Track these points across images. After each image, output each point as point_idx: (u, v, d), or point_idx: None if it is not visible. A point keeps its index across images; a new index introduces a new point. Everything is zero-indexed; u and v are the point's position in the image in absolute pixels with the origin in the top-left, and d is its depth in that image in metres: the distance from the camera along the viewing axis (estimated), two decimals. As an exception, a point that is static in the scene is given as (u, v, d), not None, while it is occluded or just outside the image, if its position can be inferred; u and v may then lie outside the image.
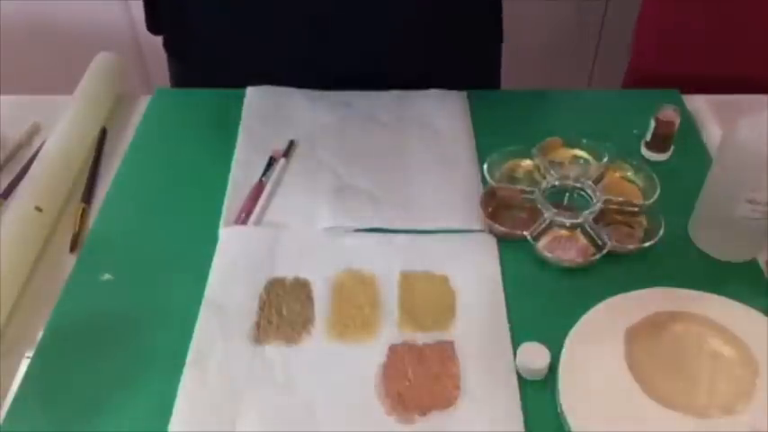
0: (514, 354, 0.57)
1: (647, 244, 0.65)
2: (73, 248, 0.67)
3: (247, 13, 0.81)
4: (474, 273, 0.64)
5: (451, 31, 0.84)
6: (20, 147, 0.78)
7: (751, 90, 0.78)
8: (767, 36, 0.86)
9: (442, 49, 0.84)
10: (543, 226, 0.66)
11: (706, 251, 0.66)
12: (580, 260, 0.64)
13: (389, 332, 0.59)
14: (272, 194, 0.71)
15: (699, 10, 0.89)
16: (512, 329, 0.59)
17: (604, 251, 0.64)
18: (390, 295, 0.62)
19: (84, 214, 0.70)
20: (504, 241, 0.66)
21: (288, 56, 0.83)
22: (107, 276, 0.64)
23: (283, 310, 0.61)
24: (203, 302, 0.61)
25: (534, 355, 0.56)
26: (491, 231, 0.67)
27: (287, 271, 0.64)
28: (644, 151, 0.76)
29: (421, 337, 0.59)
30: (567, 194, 0.71)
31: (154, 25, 0.88)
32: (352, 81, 0.82)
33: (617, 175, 0.73)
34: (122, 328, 0.60)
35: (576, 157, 0.74)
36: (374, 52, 0.80)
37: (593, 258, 0.64)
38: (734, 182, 0.61)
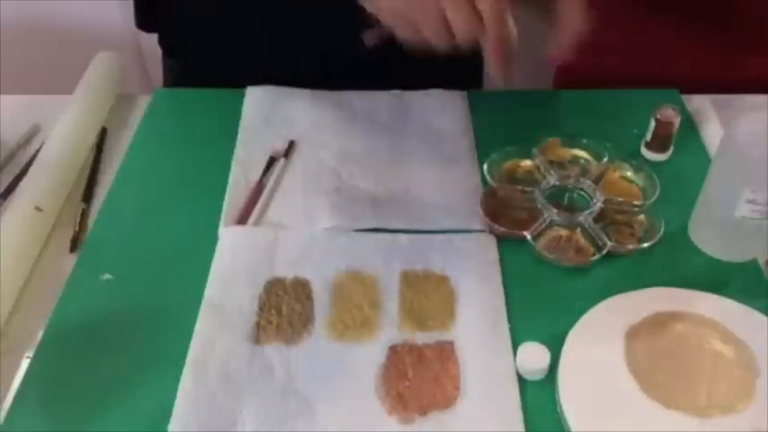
0: (514, 354, 0.57)
1: (647, 244, 0.65)
2: (73, 248, 0.67)
3: (247, 8, 0.81)
4: (474, 273, 0.64)
5: None
6: (20, 147, 0.78)
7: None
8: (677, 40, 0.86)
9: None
10: (543, 226, 0.66)
11: (706, 251, 0.66)
12: (580, 260, 0.64)
13: (389, 332, 0.59)
14: (272, 194, 0.71)
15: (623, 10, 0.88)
16: (512, 329, 0.59)
17: (604, 251, 0.64)
18: (390, 295, 0.62)
19: (84, 214, 0.70)
20: (504, 241, 0.66)
21: (281, 52, 0.82)
22: (107, 276, 0.64)
23: (283, 310, 0.61)
24: (203, 302, 0.61)
25: (534, 355, 0.56)
26: (491, 231, 0.67)
27: (287, 271, 0.64)
28: (644, 151, 0.76)
29: (421, 337, 0.59)
30: (567, 194, 0.71)
31: (145, 23, 0.88)
32: (351, 78, 0.82)
33: (617, 175, 0.73)
34: (122, 328, 0.60)
35: (576, 157, 0.74)
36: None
37: (593, 258, 0.64)
38: (734, 182, 0.61)
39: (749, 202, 0.60)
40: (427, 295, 0.62)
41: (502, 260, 0.65)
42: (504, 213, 0.69)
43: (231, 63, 0.84)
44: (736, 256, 0.65)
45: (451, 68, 0.71)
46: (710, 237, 0.66)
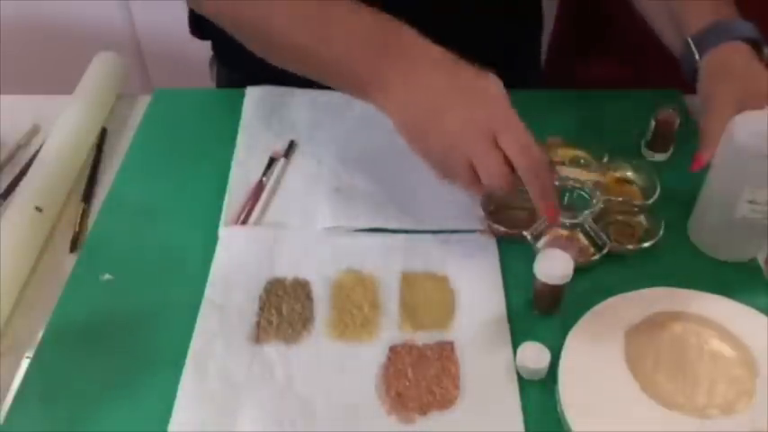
0: (514, 354, 0.57)
1: (647, 244, 0.65)
2: (73, 248, 0.67)
3: None
4: (474, 273, 0.64)
5: (492, 18, 0.84)
6: (20, 147, 0.78)
7: None
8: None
9: (481, 36, 0.83)
10: (543, 226, 0.66)
11: (706, 251, 0.66)
12: (580, 260, 0.64)
13: (389, 332, 0.59)
14: (272, 194, 0.71)
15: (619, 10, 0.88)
16: (512, 329, 0.59)
17: (604, 251, 0.64)
18: (390, 295, 0.62)
19: (84, 214, 0.70)
20: (504, 241, 0.66)
21: None
22: (107, 276, 0.64)
23: (283, 309, 0.61)
24: (203, 302, 0.61)
25: (534, 355, 0.56)
26: (491, 231, 0.67)
27: (287, 271, 0.64)
28: (644, 151, 0.76)
29: (421, 337, 0.59)
30: (567, 194, 0.71)
31: (197, 30, 0.88)
32: None
33: (617, 175, 0.73)
34: (122, 328, 0.60)
35: (576, 157, 0.74)
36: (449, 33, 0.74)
37: (593, 258, 0.64)
38: (734, 182, 0.61)
39: (749, 202, 0.60)
40: (427, 295, 0.62)
41: (502, 260, 0.65)
42: (505, 213, 0.69)
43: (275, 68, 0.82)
44: (736, 256, 0.65)
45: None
46: (710, 237, 0.66)
